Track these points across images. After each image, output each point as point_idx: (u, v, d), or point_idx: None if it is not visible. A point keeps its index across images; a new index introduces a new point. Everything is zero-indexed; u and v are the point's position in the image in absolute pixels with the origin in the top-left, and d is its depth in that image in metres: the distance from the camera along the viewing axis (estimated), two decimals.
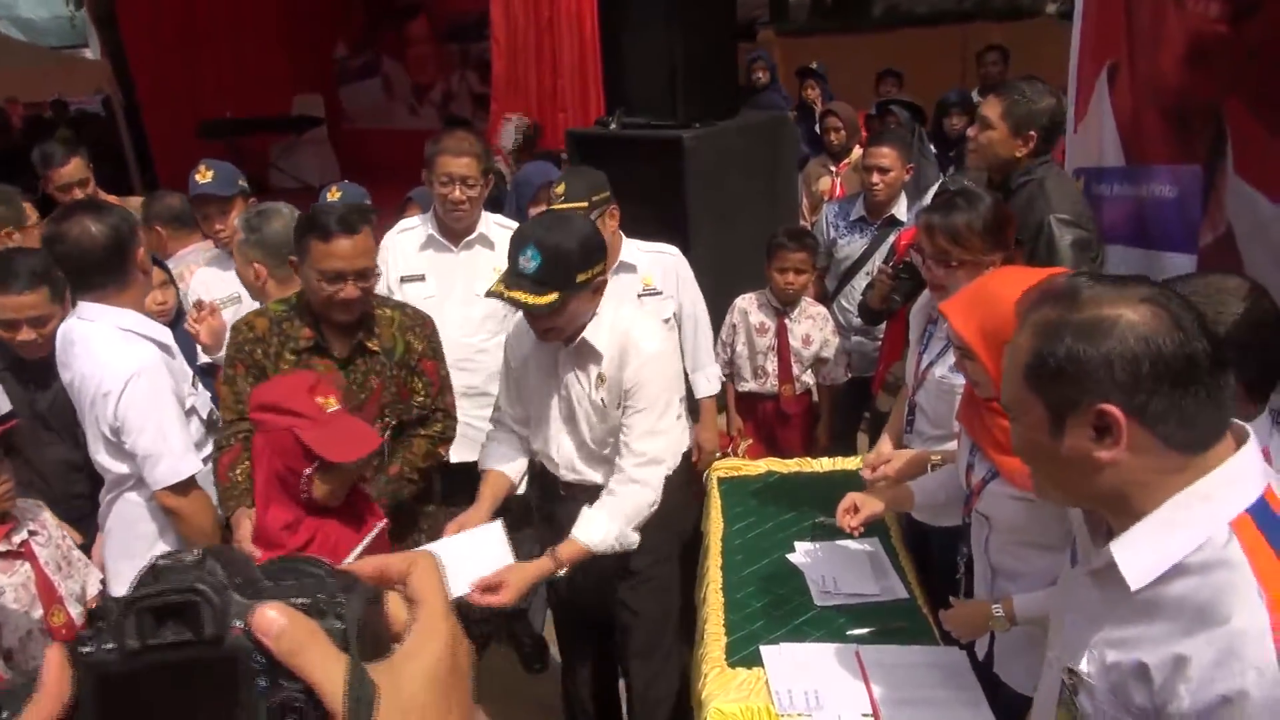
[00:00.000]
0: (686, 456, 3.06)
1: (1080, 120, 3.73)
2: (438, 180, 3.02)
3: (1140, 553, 1.18)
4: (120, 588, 2.57)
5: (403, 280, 3.13)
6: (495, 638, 3.72)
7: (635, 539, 2.35)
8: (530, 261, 2.19)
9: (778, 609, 2.48)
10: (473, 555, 2.31)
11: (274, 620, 0.50)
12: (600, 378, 2.36)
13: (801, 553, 2.72)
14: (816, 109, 6.31)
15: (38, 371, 2.68)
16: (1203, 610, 1.11)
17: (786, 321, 3.61)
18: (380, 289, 3.16)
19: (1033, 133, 2.83)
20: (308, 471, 2.10)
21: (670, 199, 4.22)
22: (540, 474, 2.63)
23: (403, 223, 3.24)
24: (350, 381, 2.50)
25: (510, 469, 2.59)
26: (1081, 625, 1.30)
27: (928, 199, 3.63)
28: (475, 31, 6.69)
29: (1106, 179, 3.64)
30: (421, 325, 2.65)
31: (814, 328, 3.63)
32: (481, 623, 3.58)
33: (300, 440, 2.07)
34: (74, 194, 4.01)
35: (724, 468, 3.33)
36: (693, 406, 3.37)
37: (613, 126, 4.41)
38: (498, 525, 2.41)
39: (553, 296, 2.18)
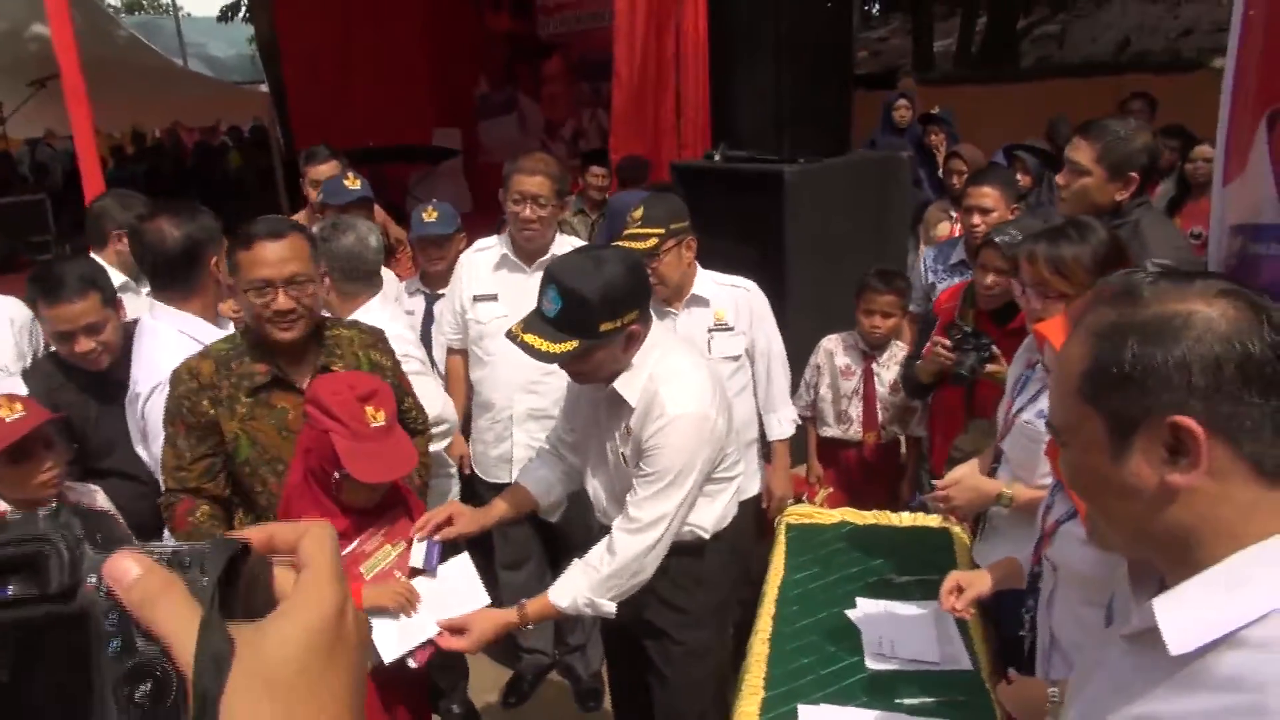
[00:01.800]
0: (749, 505, 2.91)
1: (1233, 174, 3.43)
2: (511, 198, 3.03)
3: (1189, 612, 0.97)
4: None
5: (475, 299, 3.13)
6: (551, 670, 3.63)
7: (610, 609, 2.17)
8: (551, 304, 2.04)
9: (825, 667, 2.30)
10: (446, 591, 2.19)
11: (128, 568, 0.44)
12: (628, 430, 2.20)
13: (862, 610, 2.53)
14: (939, 154, 6.11)
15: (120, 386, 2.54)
16: (1262, 693, 0.90)
17: (874, 366, 3.43)
18: (453, 307, 3.18)
19: (1133, 174, 2.60)
20: (336, 476, 2.10)
21: (770, 234, 4.13)
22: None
23: (479, 242, 3.26)
24: None
25: (543, 498, 2.46)
26: (1104, 696, 1.09)
27: None
28: (606, 70, 6.81)
29: (1264, 236, 3.32)
30: (381, 340, 2.50)
31: None
32: (536, 653, 3.50)
33: (333, 448, 2.06)
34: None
35: (796, 514, 3.16)
36: (765, 448, 3.24)
37: (716, 159, 4.36)
38: (465, 559, 2.28)
39: (570, 345, 2.02)
